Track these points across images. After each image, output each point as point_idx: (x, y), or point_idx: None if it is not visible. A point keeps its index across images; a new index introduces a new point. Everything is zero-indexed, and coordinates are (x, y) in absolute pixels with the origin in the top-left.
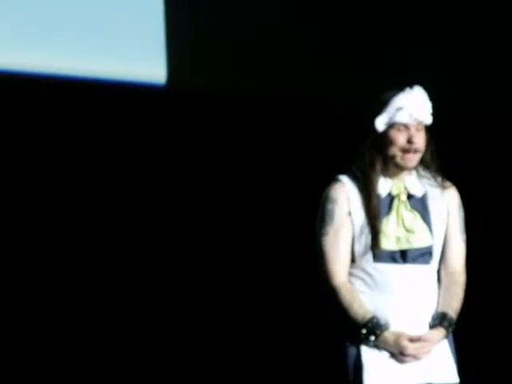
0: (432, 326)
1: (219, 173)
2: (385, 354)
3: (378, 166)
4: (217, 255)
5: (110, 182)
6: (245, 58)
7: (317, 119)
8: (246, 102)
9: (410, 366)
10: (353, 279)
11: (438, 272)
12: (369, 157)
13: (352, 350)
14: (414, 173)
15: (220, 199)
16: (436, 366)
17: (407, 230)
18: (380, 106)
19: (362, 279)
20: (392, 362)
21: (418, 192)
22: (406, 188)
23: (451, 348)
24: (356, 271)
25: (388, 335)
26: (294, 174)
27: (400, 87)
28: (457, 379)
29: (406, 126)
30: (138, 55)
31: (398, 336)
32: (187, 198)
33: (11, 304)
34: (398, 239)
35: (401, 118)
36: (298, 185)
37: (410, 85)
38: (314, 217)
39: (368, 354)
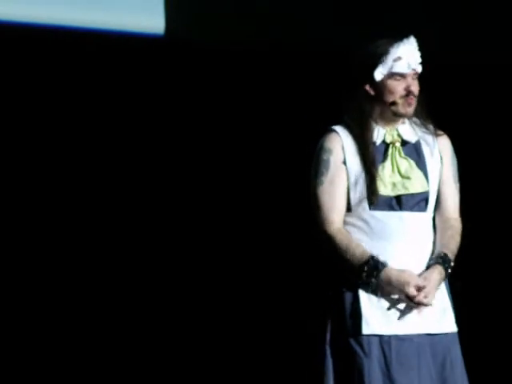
0: (429, 266)
1: (217, 122)
2: (384, 304)
3: (375, 115)
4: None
5: (107, 129)
6: (242, 7)
7: (313, 67)
8: (244, 51)
9: (408, 316)
10: (349, 228)
11: (434, 220)
12: (366, 105)
13: (348, 299)
14: (406, 121)
15: (218, 147)
16: (435, 316)
17: (403, 176)
18: (377, 57)
19: (359, 227)
20: (391, 311)
21: (411, 138)
22: (399, 135)
23: (449, 298)
24: (352, 220)
25: (390, 271)
26: (291, 124)
27: (392, 36)
28: (455, 328)
29: (403, 76)
30: (137, 5)
31: (401, 271)
32: (185, 146)
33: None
34: (394, 185)
35: (399, 68)
36: (293, 133)
37: (399, 30)
38: (307, 168)
39: (366, 304)
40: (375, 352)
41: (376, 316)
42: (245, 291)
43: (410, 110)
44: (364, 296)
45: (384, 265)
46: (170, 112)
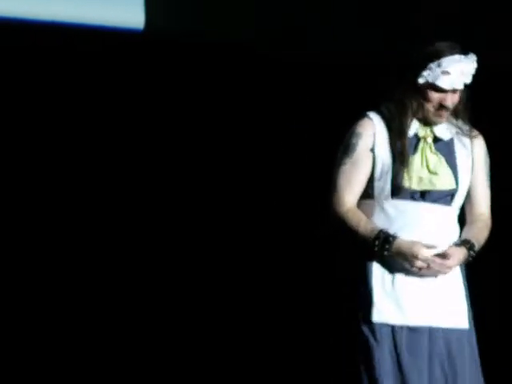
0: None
1: (198, 118)
2: (398, 294)
3: (410, 111)
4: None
5: (86, 127)
6: (223, 3)
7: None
8: (227, 47)
9: (423, 308)
10: (368, 215)
11: (463, 216)
12: (408, 99)
13: (363, 289)
14: None
15: (202, 144)
16: (448, 310)
17: (431, 172)
18: (428, 61)
19: (378, 215)
20: (405, 302)
21: (444, 136)
22: (432, 131)
23: (466, 295)
24: (372, 207)
25: (401, 242)
26: (289, 125)
27: (454, 46)
28: (467, 325)
29: (443, 90)
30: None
31: (413, 242)
32: (168, 144)
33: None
34: (421, 179)
35: (442, 82)
36: (291, 134)
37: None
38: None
39: (380, 292)
40: (386, 340)
41: (389, 306)
42: (256, 278)
43: (441, 120)
44: (378, 285)
45: (394, 237)
46: (155, 110)
